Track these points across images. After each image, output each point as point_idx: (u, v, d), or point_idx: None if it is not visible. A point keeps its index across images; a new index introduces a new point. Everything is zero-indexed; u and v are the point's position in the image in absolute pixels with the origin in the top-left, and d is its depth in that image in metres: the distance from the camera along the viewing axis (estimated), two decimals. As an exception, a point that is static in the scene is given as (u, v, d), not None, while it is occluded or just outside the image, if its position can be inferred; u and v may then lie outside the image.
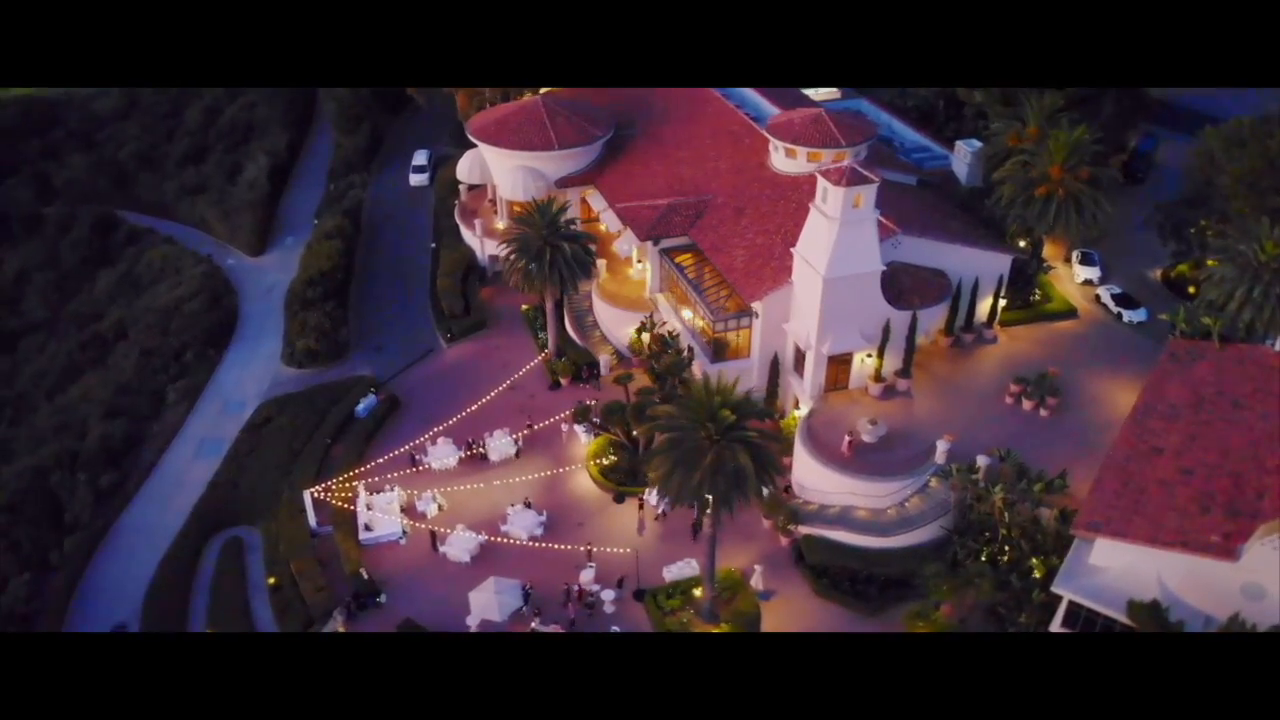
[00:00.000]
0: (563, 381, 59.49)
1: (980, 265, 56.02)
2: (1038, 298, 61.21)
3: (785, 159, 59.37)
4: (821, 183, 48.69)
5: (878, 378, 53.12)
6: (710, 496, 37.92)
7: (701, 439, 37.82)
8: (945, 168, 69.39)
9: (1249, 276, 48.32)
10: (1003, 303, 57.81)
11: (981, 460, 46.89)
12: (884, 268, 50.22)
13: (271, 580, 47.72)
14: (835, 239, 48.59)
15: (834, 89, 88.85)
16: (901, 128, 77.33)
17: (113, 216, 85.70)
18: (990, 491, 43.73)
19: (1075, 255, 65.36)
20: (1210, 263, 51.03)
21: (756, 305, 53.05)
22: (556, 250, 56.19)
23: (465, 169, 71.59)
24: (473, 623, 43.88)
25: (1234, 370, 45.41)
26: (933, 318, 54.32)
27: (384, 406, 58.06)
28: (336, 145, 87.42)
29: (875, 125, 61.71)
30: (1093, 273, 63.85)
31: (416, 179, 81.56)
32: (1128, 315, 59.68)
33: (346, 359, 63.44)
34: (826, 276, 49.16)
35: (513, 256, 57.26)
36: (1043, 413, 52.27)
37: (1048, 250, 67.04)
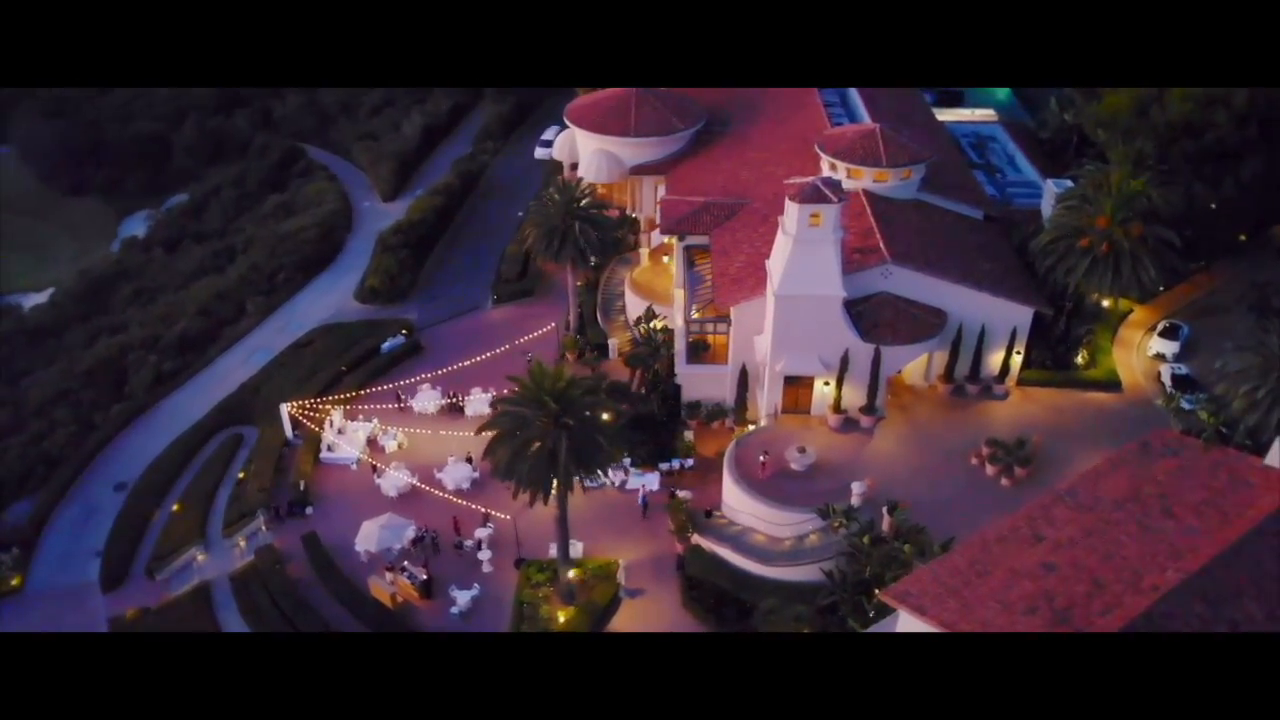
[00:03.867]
0: (570, 357, 61.48)
1: (991, 313, 51.40)
2: (1082, 361, 54.98)
3: (829, 173, 57.43)
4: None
5: (836, 408, 50.61)
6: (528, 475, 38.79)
7: (535, 421, 38.81)
8: (1037, 206, 63.53)
9: (1257, 373, 41.24)
10: (1018, 357, 52.65)
11: (904, 511, 43.83)
12: (844, 293, 47.75)
13: (241, 475, 54.13)
14: (789, 256, 47.00)
15: (990, 111, 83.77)
16: (1024, 160, 71.46)
17: (299, 150, 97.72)
18: (864, 543, 40.95)
19: (1159, 325, 57.78)
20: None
21: (731, 312, 52.24)
22: (568, 229, 58.17)
23: (558, 147, 74.99)
24: (359, 548, 47.60)
25: (1198, 475, 39.23)
26: (906, 358, 50.66)
27: (406, 348, 63.05)
28: (487, 113, 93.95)
29: (930, 150, 57.72)
30: (1170, 348, 56.11)
31: (541, 152, 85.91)
32: (1181, 400, 52.13)
33: (403, 303, 69.18)
34: (778, 293, 47.68)
35: (534, 229, 60.03)
36: (1004, 481, 47.55)
37: (1138, 316, 60.00)
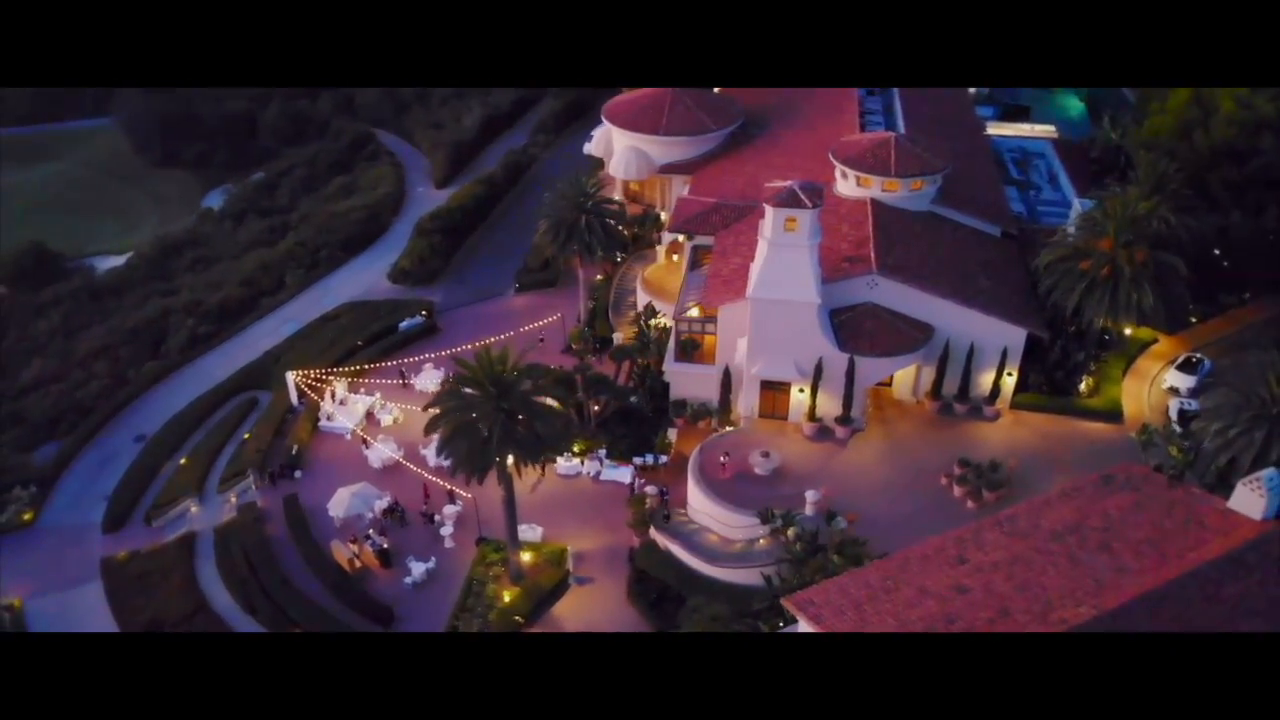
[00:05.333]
0: (575, 348, 62.54)
1: (981, 331, 50.04)
2: (1085, 387, 52.87)
3: (841, 180, 57.01)
4: (767, 201, 47.12)
5: (811, 416, 50.15)
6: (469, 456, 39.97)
7: (475, 403, 40.01)
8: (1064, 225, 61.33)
9: (1229, 411, 39.11)
10: (1010, 379, 51.07)
11: (840, 520, 43.39)
12: (818, 300, 47.33)
13: (246, 436, 57.18)
14: (765, 260, 46.92)
15: (1050, 127, 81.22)
16: (1065, 179, 68.99)
17: (369, 135, 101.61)
18: (796, 550, 40.68)
19: (1179, 358, 55.09)
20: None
21: (719, 313, 52.30)
22: (575, 223, 59.21)
23: (596, 143, 76.16)
24: (332, 513, 49.70)
25: (1151, 513, 37.66)
26: (884, 370, 49.81)
27: (422, 328, 65.26)
28: (545, 107, 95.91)
29: (944, 162, 56.23)
30: (1185, 382, 53.45)
31: (589, 146, 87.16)
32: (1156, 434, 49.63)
33: (432, 285, 71.49)
34: (751, 296, 47.68)
35: (545, 221, 61.34)
36: (970, 504, 46.30)
37: (1164, 346, 57.44)
